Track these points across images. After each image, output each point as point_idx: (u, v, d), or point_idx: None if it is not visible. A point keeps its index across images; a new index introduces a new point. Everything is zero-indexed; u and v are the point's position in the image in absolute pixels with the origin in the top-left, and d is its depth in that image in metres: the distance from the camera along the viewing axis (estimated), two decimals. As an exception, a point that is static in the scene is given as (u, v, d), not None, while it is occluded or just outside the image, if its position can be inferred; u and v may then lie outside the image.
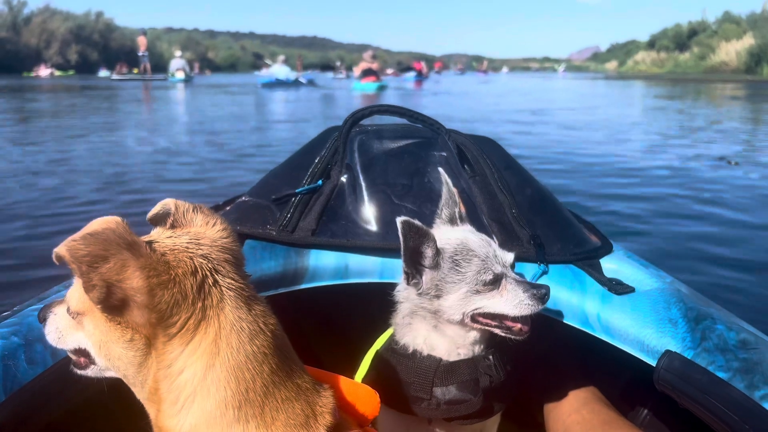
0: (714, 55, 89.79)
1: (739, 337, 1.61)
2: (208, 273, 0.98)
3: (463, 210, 1.76)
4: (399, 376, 1.60)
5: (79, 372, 1.17)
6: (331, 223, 2.04)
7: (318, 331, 1.75)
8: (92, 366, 1.13)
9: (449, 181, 1.72)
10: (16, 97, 28.47)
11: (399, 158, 2.15)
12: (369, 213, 2.03)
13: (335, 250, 2.00)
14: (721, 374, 1.49)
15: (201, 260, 0.98)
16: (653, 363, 1.63)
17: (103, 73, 74.84)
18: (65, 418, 1.51)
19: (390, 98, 27.19)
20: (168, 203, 1.12)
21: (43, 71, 66.87)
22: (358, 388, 1.27)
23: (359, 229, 2.02)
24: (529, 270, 1.91)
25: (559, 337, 1.92)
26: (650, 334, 1.67)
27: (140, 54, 52.56)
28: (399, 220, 1.43)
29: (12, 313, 1.59)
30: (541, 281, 1.88)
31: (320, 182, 2.13)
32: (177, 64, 48.73)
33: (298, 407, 1.01)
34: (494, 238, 1.91)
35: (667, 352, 1.61)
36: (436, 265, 1.53)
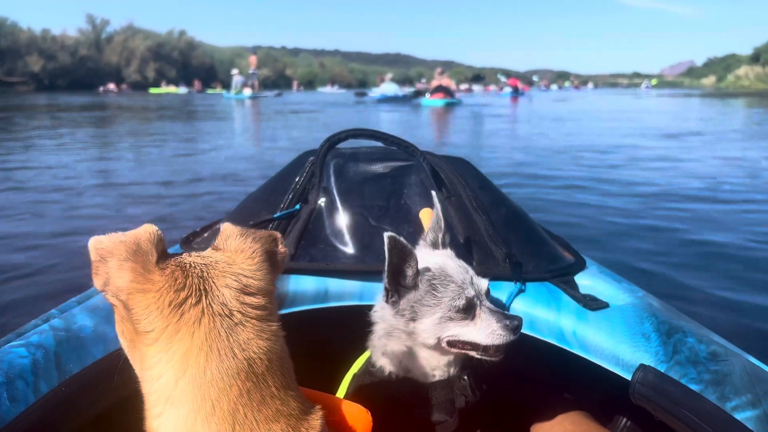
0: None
1: (709, 350, 1.64)
2: (194, 293, 1.04)
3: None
4: (375, 398, 1.58)
5: None
6: (309, 248, 2.04)
7: (299, 355, 1.58)
8: None
9: (437, 201, 1.77)
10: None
11: (375, 180, 2.16)
12: (347, 236, 2.04)
13: (315, 274, 2.00)
14: (693, 386, 1.53)
15: (195, 280, 1.05)
16: (628, 377, 1.66)
17: (181, 89, 75.36)
18: None
19: (460, 118, 25.90)
20: (223, 227, 1.20)
21: (108, 88, 68.80)
22: (350, 407, 1.32)
23: (338, 252, 2.02)
24: (506, 288, 1.93)
25: (537, 353, 1.93)
26: (624, 348, 1.69)
27: (250, 72, 54.69)
28: (386, 235, 1.45)
29: None
30: (517, 299, 1.91)
31: (298, 206, 2.13)
32: (240, 81, 49.63)
33: (277, 428, 1.05)
34: (473, 256, 1.97)
35: (641, 366, 1.63)
36: (414, 286, 1.56)
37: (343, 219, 2.06)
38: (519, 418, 2.06)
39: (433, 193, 1.84)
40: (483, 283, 1.62)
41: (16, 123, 23.20)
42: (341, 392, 1.73)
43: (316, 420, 1.11)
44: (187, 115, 29.83)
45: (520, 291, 1.92)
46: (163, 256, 1.06)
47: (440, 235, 1.72)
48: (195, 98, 53.92)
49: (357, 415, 1.30)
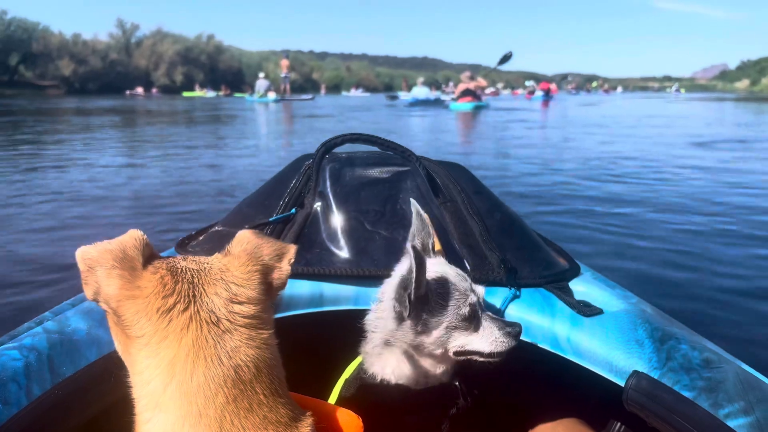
0: None
1: (702, 356, 1.64)
2: (183, 299, 1.05)
3: (436, 241, 1.78)
4: (366, 404, 1.57)
5: None
6: (305, 252, 2.04)
7: (293, 359, 1.63)
8: None
9: (421, 211, 1.75)
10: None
11: (371, 185, 2.16)
12: (343, 240, 2.04)
13: (310, 278, 2.00)
14: (686, 393, 1.53)
15: (185, 286, 1.06)
16: (622, 383, 1.66)
17: (209, 93, 76.07)
18: None
19: (491, 124, 24.86)
20: (239, 232, 1.22)
21: (135, 92, 70.07)
22: (341, 413, 1.33)
23: (333, 256, 2.02)
24: (500, 294, 1.93)
25: (531, 359, 1.92)
26: (618, 355, 1.69)
27: (282, 75, 54.90)
28: (410, 247, 1.41)
29: None
30: (512, 305, 1.91)
31: (293, 210, 2.13)
32: (264, 85, 49.97)
33: None
34: (466, 262, 1.96)
35: (635, 372, 1.63)
36: (424, 297, 1.52)
37: (338, 223, 2.06)
38: (512, 424, 2.05)
39: (412, 200, 1.81)
40: (480, 290, 1.62)
41: (29, 128, 23.16)
42: (333, 398, 1.71)
43: (305, 427, 1.11)
44: (211, 119, 29.35)
45: (515, 297, 1.93)
46: (151, 260, 1.07)
47: (430, 241, 1.70)
48: (221, 102, 54.07)
49: (348, 422, 1.31)
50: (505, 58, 33.37)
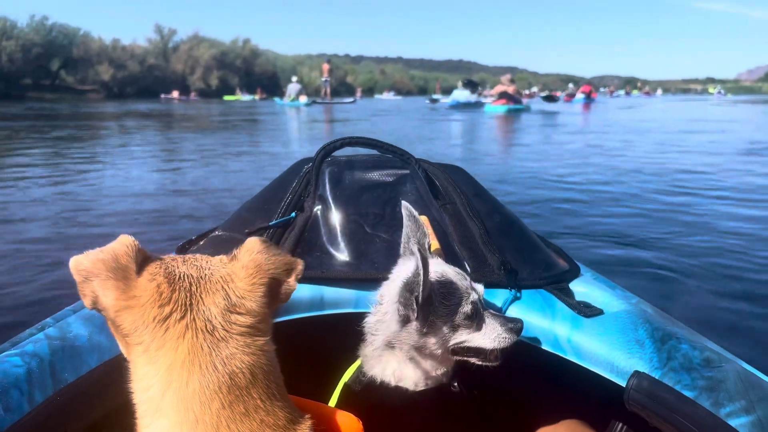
0: None
1: (703, 356, 1.64)
2: (179, 308, 1.06)
3: (432, 240, 1.79)
4: (366, 407, 1.58)
5: None
6: (305, 255, 2.03)
7: (294, 362, 1.68)
8: None
9: (415, 212, 1.74)
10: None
11: (371, 188, 2.17)
12: (342, 243, 2.04)
13: (310, 282, 2.00)
14: (687, 393, 1.53)
15: (182, 294, 1.07)
16: (623, 384, 1.66)
17: (245, 97, 76.49)
18: None
19: (528, 128, 24.44)
20: (248, 239, 1.21)
21: (170, 96, 71.14)
22: (341, 416, 1.34)
23: (333, 259, 2.02)
24: (501, 296, 1.93)
25: (532, 360, 1.92)
26: (619, 355, 1.69)
27: (323, 79, 55.87)
28: (416, 250, 1.42)
29: None
30: (512, 307, 1.91)
31: (293, 214, 2.13)
32: (295, 89, 50.06)
33: None
34: (466, 264, 1.95)
35: (636, 372, 1.63)
36: (429, 298, 1.52)
37: (338, 227, 2.06)
38: (513, 425, 2.04)
39: (404, 202, 1.80)
40: (480, 288, 1.63)
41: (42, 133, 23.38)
42: (333, 400, 1.72)
43: (304, 430, 1.12)
44: (238, 125, 29.35)
45: (515, 298, 1.92)
46: (145, 265, 1.07)
47: (426, 241, 1.68)
48: (255, 106, 54.10)
49: (348, 424, 1.32)
50: (550, 98, 33.84)
